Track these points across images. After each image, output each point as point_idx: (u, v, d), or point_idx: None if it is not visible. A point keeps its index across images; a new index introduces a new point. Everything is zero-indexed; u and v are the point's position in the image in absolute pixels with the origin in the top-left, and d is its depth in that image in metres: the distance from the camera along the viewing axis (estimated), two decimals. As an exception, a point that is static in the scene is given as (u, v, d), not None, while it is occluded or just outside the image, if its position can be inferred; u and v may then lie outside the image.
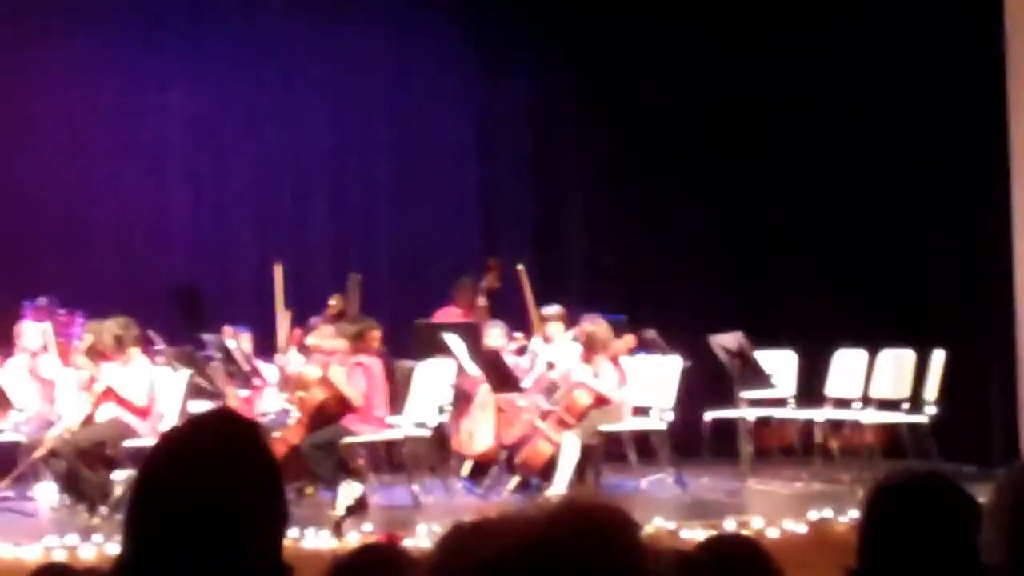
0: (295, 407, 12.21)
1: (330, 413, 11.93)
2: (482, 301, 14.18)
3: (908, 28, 13.75)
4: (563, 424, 12.05)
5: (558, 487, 11.86)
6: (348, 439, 11.86)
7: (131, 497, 2.56)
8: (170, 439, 2.65)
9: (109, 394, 11.69)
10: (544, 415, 12.23)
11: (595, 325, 12.35)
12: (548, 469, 12.15)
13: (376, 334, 12.62)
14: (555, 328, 12.91)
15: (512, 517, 2.11)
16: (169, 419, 11.82)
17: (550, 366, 12.63)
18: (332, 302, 13.48)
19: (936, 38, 13.37)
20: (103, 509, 11.12)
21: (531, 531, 2.06)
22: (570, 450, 11.94)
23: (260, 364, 12.70)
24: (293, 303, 13.38)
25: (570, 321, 12.91)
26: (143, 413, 11.69)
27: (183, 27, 15.25)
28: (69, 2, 14.96)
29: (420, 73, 15.75)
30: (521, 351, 13.14)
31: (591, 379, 12.16)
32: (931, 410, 12.24)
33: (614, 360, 12.30)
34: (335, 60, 15.69)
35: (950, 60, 13.30)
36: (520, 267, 13.57)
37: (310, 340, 12.69)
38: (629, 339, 12.62)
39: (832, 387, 13.02)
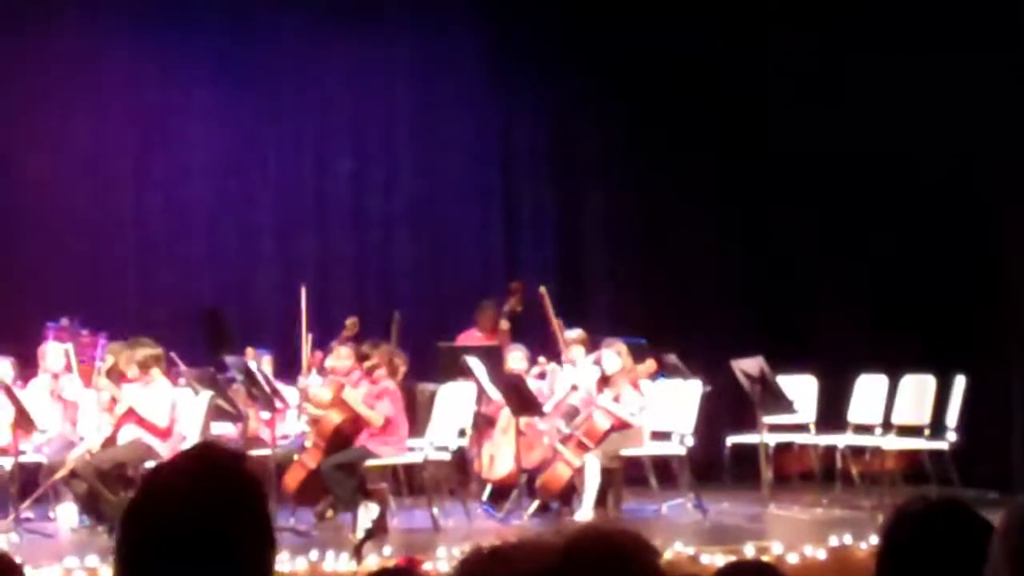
0: (310, 430, 12.23)
1: (347, 435, 11.96)
2: (505, 324, 14.23)
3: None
4: (583, 448, 12.03)
5: (585, 511, 11.84)
6: (371, 462, 11.85)
7: (120, 526, 2.59)
8: (158, 471, 2.67)
9: (130, 415, 11.72)
10: (564, 439, 12.22)
11: (615, 348, 12.34)
12: (567, 493, 12.15)
13: (403, 369, 12.72)
14: (576, 351, 12.90)
15: (532, 542, 2.12)
16: (190, 441, 11.85)
17: (572, 389, 12.61)
18: (348, 323, 13.51)
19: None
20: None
21: (550, 556, 2.07)
22: (593, 473, 11.92)
23: (281, 387, 12.71)
24: (314, 326, 13.40)
25: (591, 344, 12.91)
26: (164, 434, 11.71)
27: (206, 50, 15.30)
28: (91, 28, 15.00)
29: (442, 94, 15.82)
30: (543, 375, 13.13)
31: (612, 404, 12.15)
32: (952, 436, 12.20)
33: (635, 384, 12.29)
34: (357, 79, 15.76)
35: (971, 68, 13.25)
36: (542, 289, 13.58)
37: (328, 362, 12.70)
38: (650, 364, 12.61)
39: (853, 412, 12.99)
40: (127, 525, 2.57)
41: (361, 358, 12.19)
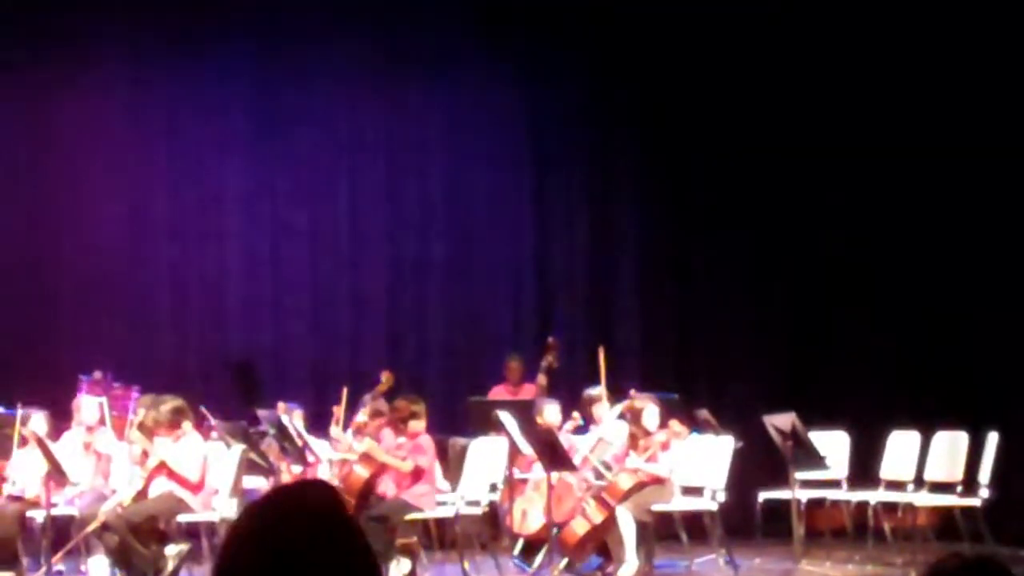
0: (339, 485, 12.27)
1: (375, 487, 12.02)
2: (543, 379, 14.23)
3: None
4: (604, 505, 11.96)
5: (630, 565, 11.75)
6: (412, 515, 11.83)
7: None
8: (251, 515, 2.26)
9: (162, 469, 11.74)
10: (594, 493, 12.17)
11: (644, 403, 12.31)
12: (586, 548, 12.10)
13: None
14: (601, 408, 12.86)
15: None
16: (222, 494, 11.87)
17: (599, 442, 12.57)
18: (383, 377, 13.54)
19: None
20: (154, 583, 11.15)
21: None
22: (627, 525, 11.83)
23: (312, 440, 12.73)
24: (347, 380, 13.44)
25: (617, 399, 12.90)
26: (196, 488, 11.74)
27: (242, 112, 15.44)
28: (131, 88, 15.11)
29: (477, 148, 15.88)
30: (577, 429, 13.10)
31: (643, 463, 12.09)
32: (985, 493, 12.14)
33: (664, 446, 12.21)
34: (392, 134, 15.83)
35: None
36: (600, 349, 13.51)
37: (359, 418, 12.71)
38: (682, 430, 12.46)
39: (885, 469, 12.94)
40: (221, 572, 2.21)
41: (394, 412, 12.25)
